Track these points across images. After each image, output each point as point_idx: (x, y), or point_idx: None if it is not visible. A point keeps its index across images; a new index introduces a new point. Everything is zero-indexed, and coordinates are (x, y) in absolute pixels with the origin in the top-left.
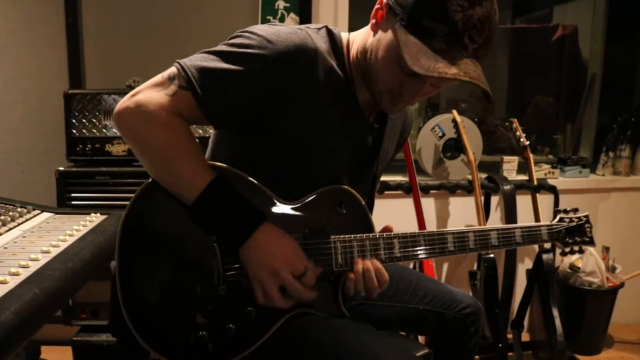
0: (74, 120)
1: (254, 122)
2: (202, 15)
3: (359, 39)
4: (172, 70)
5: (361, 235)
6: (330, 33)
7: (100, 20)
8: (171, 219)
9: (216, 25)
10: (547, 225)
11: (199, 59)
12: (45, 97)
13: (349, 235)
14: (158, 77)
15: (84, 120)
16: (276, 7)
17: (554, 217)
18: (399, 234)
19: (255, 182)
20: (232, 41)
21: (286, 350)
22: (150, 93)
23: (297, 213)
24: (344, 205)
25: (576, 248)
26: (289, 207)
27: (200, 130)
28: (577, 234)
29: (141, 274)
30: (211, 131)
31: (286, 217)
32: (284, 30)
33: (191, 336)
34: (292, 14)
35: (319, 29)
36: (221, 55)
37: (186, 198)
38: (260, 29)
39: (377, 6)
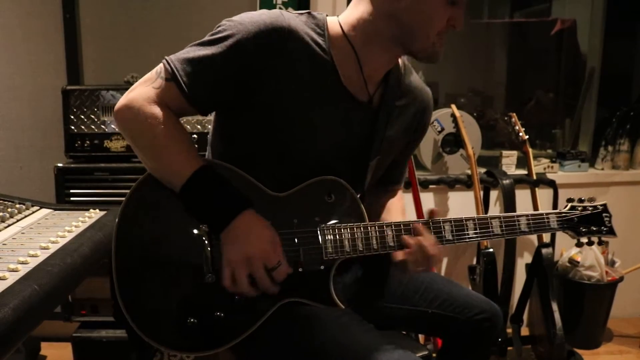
0: (72, 117)
1: (238, 105)
2: (200, 10)
3: (360, 13)
4: (160, 65)
5: (352, 224)
6: (310, 14)
7: (98, 16)
8: (164, 210)
9: (214, 20)
10: (557, 213)
11: (182, 52)
12: (43, 93)
13: (339, 225)
14: (149, 74)
15: (82, 117)
16: (274, 2)
17: (565, 206)
18: (391, 222)
19: (245, 174)
20: (212, 31)
21: (276, 341)
22: (140, 89)
23: (287, 204)
24: (333, 195)
25: (594, 239)
26: (279, 198)
27: (199, 126)
28: (593, 223)
29: (134, 262)
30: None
31: (276, 209)
32: (258, 12)
33: (182, 323)
34: (290, 9)
35: (301, 13)
36: (200, 44)
37: (176, 186)
38: (237, 16)
39: None
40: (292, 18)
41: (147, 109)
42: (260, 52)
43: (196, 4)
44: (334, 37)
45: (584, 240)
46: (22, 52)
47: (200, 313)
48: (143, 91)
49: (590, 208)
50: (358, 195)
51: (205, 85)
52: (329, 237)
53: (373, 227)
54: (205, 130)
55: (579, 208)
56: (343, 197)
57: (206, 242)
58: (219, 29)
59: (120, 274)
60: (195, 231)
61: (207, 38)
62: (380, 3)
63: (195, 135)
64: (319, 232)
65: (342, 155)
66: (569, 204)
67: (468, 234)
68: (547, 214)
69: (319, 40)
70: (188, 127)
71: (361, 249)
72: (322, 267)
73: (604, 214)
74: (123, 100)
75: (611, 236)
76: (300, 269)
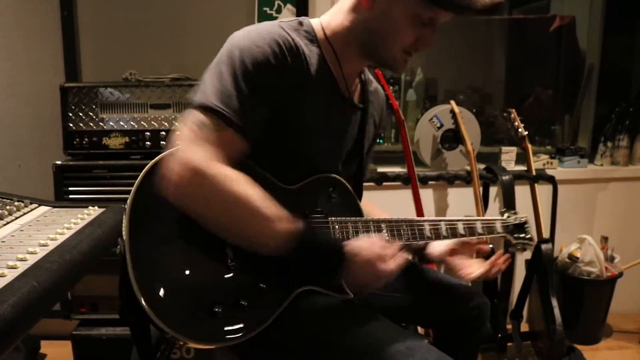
0: (70, 114)
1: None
2: (199, 6)
3: (336, 20)
4: (197, 116)
5: (355, 218)
6: (299, 22)
7: (96, 13)
8: None
9: (213, 17)
10: (501, 220)
11: (213, 93)
12: (41, 91)
13: (345, 218)
14: (188, 131)
15: (81, 114)
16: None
17: (502, 215)
18: (386, 219)
19: (262, 171)
20: (225, 59)
21: (296, 329)
22: (195, 152)
23: (298, 196)
24: (336, 191)
25: (519, 246)
26: (291, 191)
27: None
28: (521, 232)
29: (152, 252)
30: None
31: (288, 200)
32: (261, 29)
33: (207, 313)
34: (288, 5)
35: (291, 21)
36: (226, 77)
37: (266, 250)
38: (242, 36)
39: None
40: (290, 30)
41: (215, 170)
42: (281, 68)
43: (195, 0)
44: (321, 41)
45: (514, 243)
46: (20, 49)
47: (225, 301)
48: (198, 150)
49: (521, 219)
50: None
51: (254, 119)
52: (337, 228)
53: (371, 223)
54: (172, 128)
55: (512, 218)
56: (343, 193)
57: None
58: (234, 54)
59: (138, 269)
60: None
61: (226, 69)
62: (358, 12)
63: (163, 132)
64: (329, 224)
65: (341, 155)
66: (506, 214)
67: (425, 234)
68: (493, 219)
69: (313, 47)
70: (155, 124)
71: None
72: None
73: (525, 225)
74: (178, 170)
75: (531, 245)
76: None
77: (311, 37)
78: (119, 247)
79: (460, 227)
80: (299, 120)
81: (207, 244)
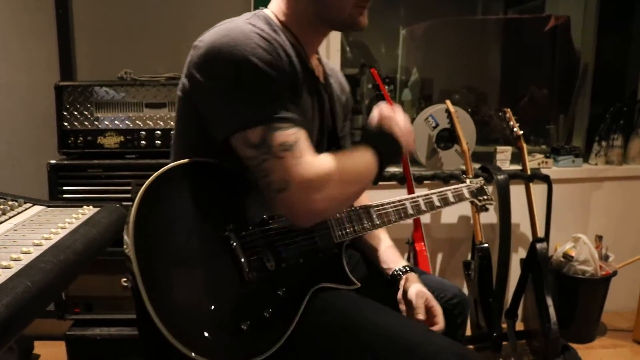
0: (65, 113)
1: None
2: (194, 5)
3: (284, 4)
4: (254, 136)
5: (347, 209)
6: (256, 16)
7: (91, 11)
8: (183, 213)
9: (208, 16)
10: (466, 186)
11: (245, 108)
12: (36, 90)
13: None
14: (275, 161)
15: (76, 113)
16: None
17: (464, 181)
18: (372, 204)
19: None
20: (222, 70)
21: (320, 324)
22: (302, 171)
23: None
24: None
25: (484, 206)
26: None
27: (161, 122)
28: (483, 194)
29: (166, 280)
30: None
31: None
32: (236, 28)
33: (235, 332)
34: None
35: (251, 17)
36: (242, 87)
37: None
38: (226, 38)
39: None
40: (261, 24)
41: (323, 169)
42: (277, 61)
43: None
44: (283, 29)
45: (481, 204)
46: (14, 48)
47: (250, 316)
48: (295, 162)
49: (480, 182)
50: None
51: (292, 107)
52: (334, 222)
53: (360, 210)
54: (168, 127)
55: (474, 182)
56: None
57: (235, 244)
58: (235, 63)
59: (155, 301)
60: (221, 233)
61: (240, 80)
62: None
63: (158, 132)
64: (327, 221)
65: (324, 138)
66: (467, 179)
67: (408, 211)
68: (458, 187)
69: (281, 36)
70: (150, 123)
71: (358, 229)
72: (335, 251)
73: (484, 186)
74: (293, 197)
75: (491, 203)
76: (320, 254)
77: (274, 27)
78: (126, 281)
79: (436, 199)
80: (296, 110)
81: (219, 261)
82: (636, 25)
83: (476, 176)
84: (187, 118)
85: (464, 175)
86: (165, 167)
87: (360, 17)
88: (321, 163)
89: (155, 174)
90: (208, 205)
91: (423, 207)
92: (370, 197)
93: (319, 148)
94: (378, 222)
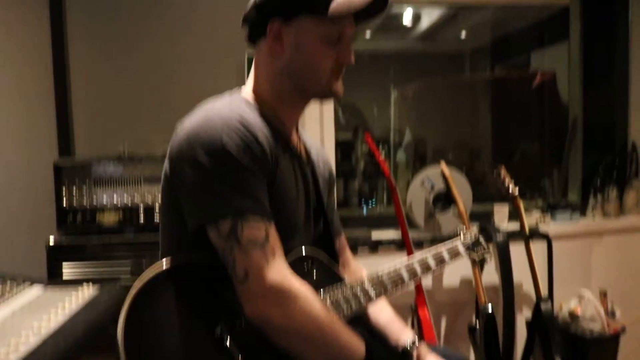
0: (63, 191)
1: None
2: (189, 80)
3: (260, 83)
4: (223, 228)
5: (339, 284)
6: (238, 98)
7: (89, 90)
8: (173, 320)
9: (204, 91)
10: (461, 241)
11: (217, 200)
12: (34, 167)
13: (332, 288)
14: (241, 254)
15: (74, 190)
16: None
17: (457, 234)
18: (366, 277)
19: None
20: (210, 163)
21: None
22: (268, 273)
23: None
24: (313, 266)
25: (482, 258)
26: None
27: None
28: (479, 246)
29: None
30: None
31: None
32: (215, 115)
33: None
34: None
35: (228, 97)
36: (217, 180)
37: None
38: (201, 125)
39: (271, 33)
40: (240, 107)
41: (292, 287)
42: (255, 146)
43: (185, 74)
44: (261, 108)
45: (476, 257)
46: (12, 126)
47: None
48: (264, 261)
49: (474, 233)
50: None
51: (265, 199)
52: (328, 301)
53: (357, 285)
54: (154, 203)
55: (468, 235)
56: (321, 265)
57: (228, 343)
58: (213, 152)
59: None
60: (217, 332)
61: (204, 172)
62: (270, 65)
63: (142, 208)
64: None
65: (310, 213)
66: (461, 232)
67: (404, 278)
68: (453, 243)
69: (259, 116)
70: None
71: (356, 307)
72: None
73: (480, 238)
74: (261, 293)
75: (488, 253)
76: None
77: (253, 108)
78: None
79: (431, 261)
80: (279, 194)
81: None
82: (618, 77)
83: None
84: (172, 202)
85: (458, 229)
86: (149, 275)
87: (335, 86)
88: (290, 279)
89: (139, 283)
90: (196, 307)
91: (419, 271)
92: (370, 262)
93: (307, 224)
94: (374, 295)
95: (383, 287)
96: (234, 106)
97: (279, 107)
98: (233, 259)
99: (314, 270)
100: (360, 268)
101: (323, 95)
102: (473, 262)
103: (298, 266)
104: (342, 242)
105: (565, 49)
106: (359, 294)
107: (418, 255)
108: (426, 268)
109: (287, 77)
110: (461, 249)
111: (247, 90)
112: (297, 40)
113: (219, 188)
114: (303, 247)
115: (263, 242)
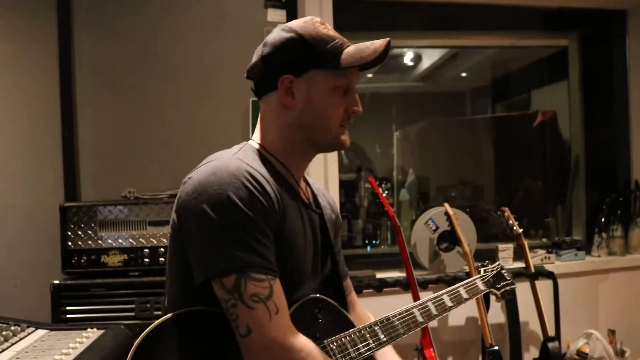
0: (69, 233)
1: None
2: (194, 123)
3: (269, 135)
4: (228, 282)
5: (349, 332)
6: (247, 149)
7: (96, 134)
8: None
9: (208, 133)
10: (480, 277)
11: (222, 255)
12: (40, 210)
13: (338, 335)
14: (245, 310)
15: (80, 232)
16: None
17: (478, 272)
18: (377, 321)
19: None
20: (207, 213)
21: None
22: (271, 330)
23: None
24: (322, 311)
25: (505, 295)
26: None
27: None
28: (501, 280)
29: None
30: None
31: None
32: (221, 168)
33: None
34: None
35: (237, 151)
36: (223, 235)
37: None
38: (206, 180)
39: (283, 87)
40: (248, 160)
41: (296, 345)
42: (264, 197)
43: (190, 119)
44: (271, 160)
45: (499, 293)
46: (21, 168)
47: None
48: (268, 317)
49: (495, 268)
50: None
51: (271, 254)
52: (336, 350)
53: (365, 330)
54: (159, 245)
55: (489, 270)
56: (330, 310)
57: None
58: (220, 204)
59: None
60: None
61: (224, 221)
62: (279, 117)
63: (161, 249)
64: (327, 347)
65: (318, 262)
66: (481, 269)
67: (417, 319)
68: (473, 280)
69: (268, 168)
70: (153, 240)
71: (364, 351)
72: None
73: (502, 271)
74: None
75: (513, 286)
76: None
77: (262, 159)
78: None
79: (447, 300)
80: (289, 242)
81: None
82: (619, 115)
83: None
84: (179, 252)
85: (479, 265)
86: (155, 323)
87: (343, 136)
88: (293, 335)
89: (146, 331)
90: (202, 354)
91: (434, 312)
92: (375, 302)
93: (314, 271)
94: (385, 339)
95: (393, 329)
96: (242, 158)
97: (288, 158)
98: (236, 314)
99: (322, 314)
100: (366, 311)
101: (331, 146)
102: (496, 297)
103: (306, 310)
104: (348, 284)
105: (565, 88)
106: (367, 337)
107: (433, 295)
108: (441, 308)
109: (298, 128)
110: (481, 285)
111: (257, 140)
112: (309, 93)
113: (224, 243)
114: (311, 291)
115: (266, 298)
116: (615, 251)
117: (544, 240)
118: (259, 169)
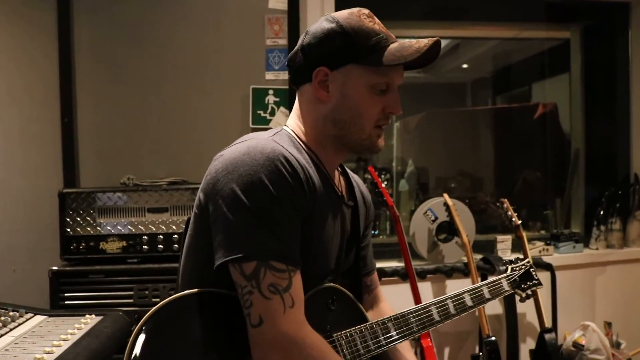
0: (68, 219)
1: None
2: (194, 111)
3: (304, 124)
4: (247, 268)
5: (359, 326)
6: (282, 134)
7: (95, 120)
8: (190, 350)
9: (209, 121)
10: (506, 277)
11: (247, 240)
12: (39, 196)
13: (349, 329)
14: (260, 299)
15: (78, 219)
16: (266, 101)
17: (506, 270)
18: (391, 317)
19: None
20: (236, 196)
21: None
22: (284, 323)
23: None
24: (336, 301)
25: (530, 292)
26: None
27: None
28: (527, 279)
29: None
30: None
31: None
32: (257, 150)
33: None
34: (282, 108)
35: (274, 134)
36: (250, 219)
37: None
38: (241, 160)
39: (317, 80)
40: (284, 143)
41: (307, 340)
42: (296, 182)
43: (191, 106)
44: (305, 147)
45: (524, 295)
46: (20, 155)
47: None
48: (282, 310)
49: (523, 267)
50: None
51: (296, 243)
52: (344, 343)
53: (377, 326)
54: (170, 232)
55: (516, 269)
56: (344, 302)
57: None
58: (244, 184)
59: None
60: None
61: (243, 204)
62: (313, 110)
63: (160, 236)
64: (335, 341)
65: (342, 253)
66: (509, 267)
67: (434, 318)
68: (498, 279)
69: (304, 154)
70: (152, 228)
71: (374, 347)
72: None
73: (531, 269)
74: (273, 344)
75: (539, 287)
76: None
77: (297, 145)
78: None
79: (468, 299)
80: (316, 233)
81: None
82: (620, 109)
83: (481, 269)
84: (202, 236)
85: (505, 262)
86: (171, 297)
87: (377, 138)
88: (304, 330)
89: (159, 304)
90: (220, 338)
91: (452, 311)
92: None
93: (338, 260)
94: (397, 337)
95: (407, 327)
96: (278, 141)
97: (322, 150)
98: (250, 301)
99: (336, 304)
100: (389, 308)
101: (362, 147)
102: (520, 298)
103: (320, 298)
104: (374, 279)
105: (566, 81)
106: (379, 333)
107: (453, 293)
108: (461, 307)
109: (331, 123)
110: (506, 286)
111: (291, 128)
112: (344, 88)
113: (249, 227)
114: (327, 281)
115: (284, 290)
116: (614, 244)
117: (543, 232)
118: (295, 155)
